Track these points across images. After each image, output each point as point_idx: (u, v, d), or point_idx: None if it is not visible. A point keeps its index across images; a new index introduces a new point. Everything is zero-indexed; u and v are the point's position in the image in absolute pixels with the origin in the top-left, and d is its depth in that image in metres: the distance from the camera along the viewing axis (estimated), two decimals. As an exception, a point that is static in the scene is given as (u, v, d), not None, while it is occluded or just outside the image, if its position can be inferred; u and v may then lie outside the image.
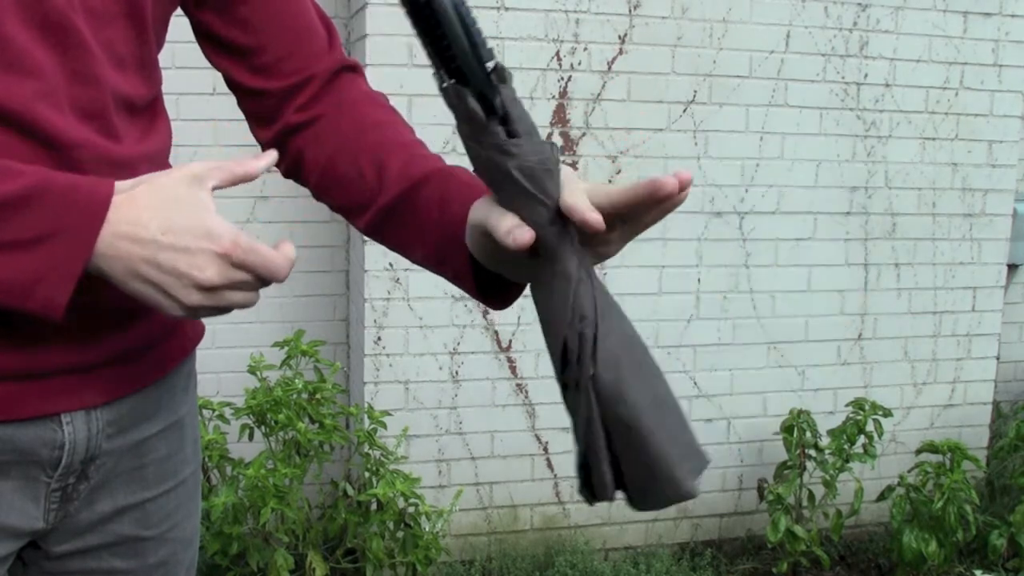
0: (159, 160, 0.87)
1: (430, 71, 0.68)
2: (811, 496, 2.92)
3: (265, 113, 0.94)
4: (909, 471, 2.98)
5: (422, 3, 0.64)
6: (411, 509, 2.54)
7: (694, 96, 2.93)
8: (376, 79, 2.67)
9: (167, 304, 0.72)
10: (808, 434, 2.90)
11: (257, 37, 0.91)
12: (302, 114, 0.93)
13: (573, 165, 2.88)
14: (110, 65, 0.79)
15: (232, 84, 0.94)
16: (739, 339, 3.10)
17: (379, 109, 0.94)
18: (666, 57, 2.90)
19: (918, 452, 3.02)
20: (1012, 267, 3.60)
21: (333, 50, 0.95)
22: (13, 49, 0.72)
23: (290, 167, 0.95)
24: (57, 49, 0.75)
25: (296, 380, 2.52)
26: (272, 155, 0.80)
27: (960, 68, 3.17)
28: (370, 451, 2.57)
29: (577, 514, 3.03)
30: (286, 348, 2.59)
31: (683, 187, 0.69)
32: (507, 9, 2.75)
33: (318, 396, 2.54)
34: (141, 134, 0.84)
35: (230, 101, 0.98)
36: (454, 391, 2.86)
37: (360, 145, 0.90)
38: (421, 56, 2.69)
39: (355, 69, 0.97)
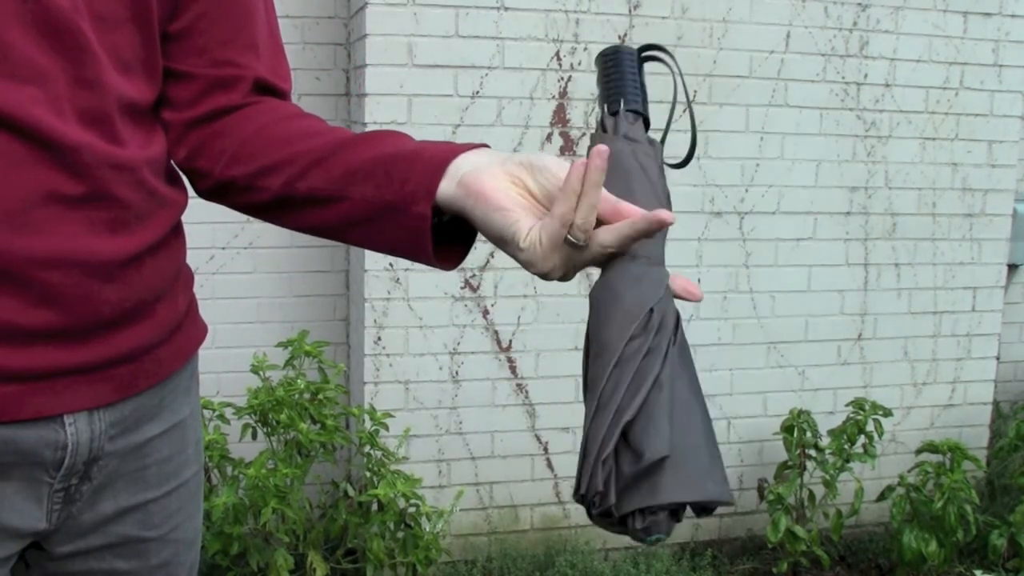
0: (160, 164, 0.87)
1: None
2: (811, 496, 2.92)
3: (184, 99, 0.89)
4: (909, 471, 2.98)
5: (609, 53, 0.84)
6: (412, 509, 2.54)
7: (694, 96, 2.93)
8: (376, 79, 2.68)
9: None
10: (808, 434, 2.90)
11: (200, 21, 0.87)
12: (217, 112, 0.89)
13: (573, 165, 2.87)
14: (116, 70, 0.79)
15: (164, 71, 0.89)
16: (739, 339, 3.10)
17: (309, 119, 0.90)
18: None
19: (918, 452, 3.02)
20: (1012, 267, 3.60)
21: (277, 67, 0.93)
22: (14, 55, 0.73)
23: (192, 151, 0.90)
24: (61, 55, 0.75)
25: (299, 380, 2.52)
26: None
27: (960, 68, 3.17)
28: (371, 452, 2.57)
29: (577, 514, 3.02)
30: (290, 348, 2.59)
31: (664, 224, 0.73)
32: (507, 9, 2.75)
33: (320, 396, 2.54)
34: (145, 138, 0.85)
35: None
36: (454, 391, 2.86)
37: (278, 132, 0.87)
38: (421, 56, 2.70)
39: (284, 96, 0.94)
